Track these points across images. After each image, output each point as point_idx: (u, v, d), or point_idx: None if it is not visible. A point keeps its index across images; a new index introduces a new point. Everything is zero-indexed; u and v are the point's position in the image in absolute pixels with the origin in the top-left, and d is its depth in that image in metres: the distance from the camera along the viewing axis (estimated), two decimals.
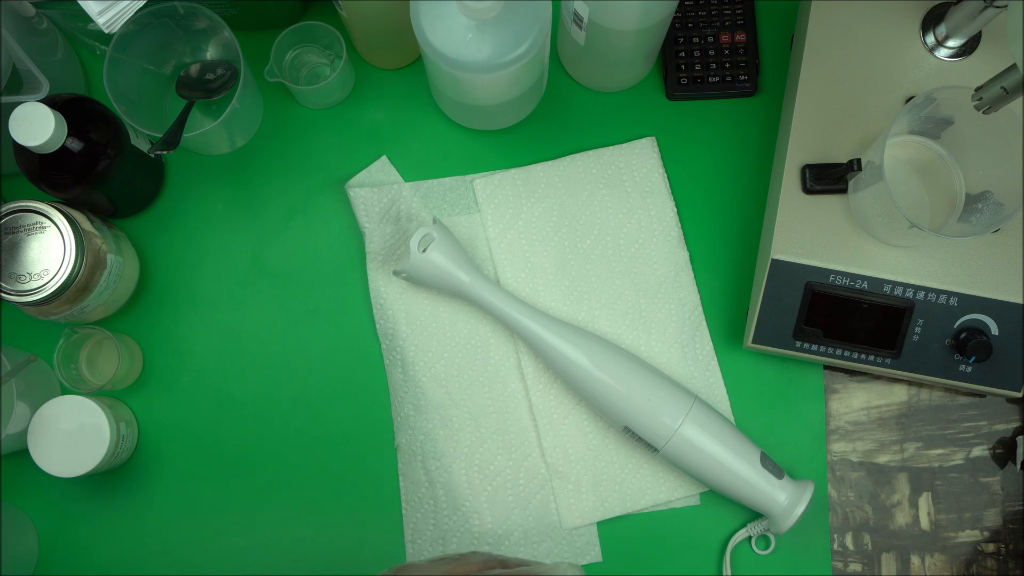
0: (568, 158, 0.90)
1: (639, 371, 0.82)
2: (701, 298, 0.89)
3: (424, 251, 0.83)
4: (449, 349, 0.88)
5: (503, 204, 0.89)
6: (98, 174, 0.79)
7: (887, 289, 0.81)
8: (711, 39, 0.90)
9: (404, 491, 0.87)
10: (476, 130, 0.91)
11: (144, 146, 0.84)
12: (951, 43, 0.82)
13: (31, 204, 0.78)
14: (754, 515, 0.86)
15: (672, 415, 0.80)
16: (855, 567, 0.86)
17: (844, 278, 0.81)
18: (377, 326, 0.88)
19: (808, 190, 0.82)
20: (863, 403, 0.88)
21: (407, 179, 0.90)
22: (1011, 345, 0.81)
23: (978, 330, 0.80)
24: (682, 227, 0.89)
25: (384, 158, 0.91)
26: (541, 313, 0.84)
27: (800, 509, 0.79)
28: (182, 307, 0.89)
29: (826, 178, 0.81)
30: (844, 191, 0.82)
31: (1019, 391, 0.82)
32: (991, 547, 0.87)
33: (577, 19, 0.79)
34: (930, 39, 0.83)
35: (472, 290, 0.84)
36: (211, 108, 0.90)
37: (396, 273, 0.85)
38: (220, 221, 0.90)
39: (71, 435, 0.80)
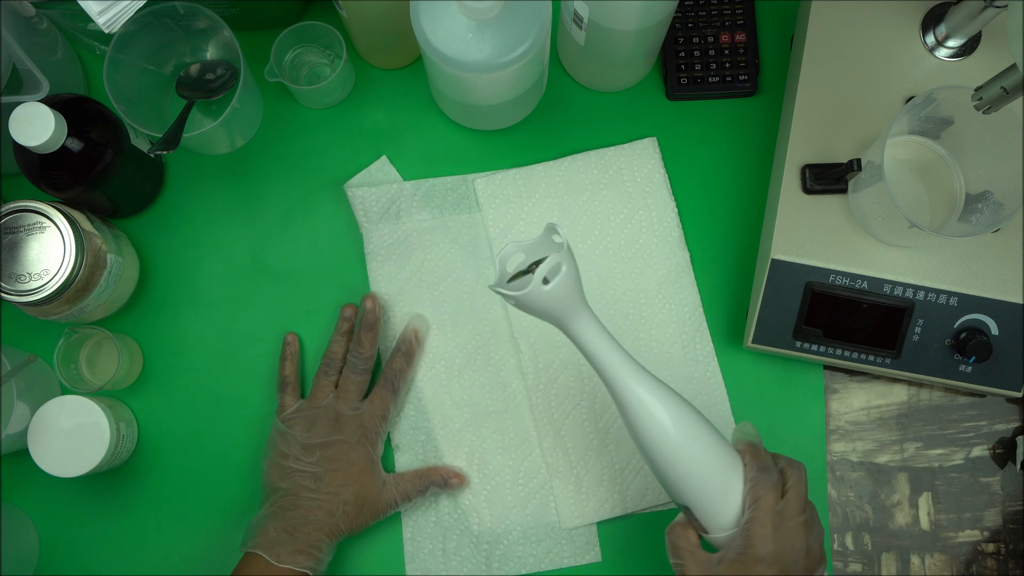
0: (569, 158, 0.90)
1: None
2: (701, 298, 0.89)
3: (548, 284, 0.65)
4: (449, 349, 0.88)
5: (504, 204, 0.89)
6: (98, 174, 0.79)
7: (887, 289, 0.81)
8: (711, 39, 0.90)
9: None
10: (476, 130, 0.91)
11: (144, 146, 0.84)
12: (951, 43, 0.82)
13: (31, 204, 0.78)
14: None
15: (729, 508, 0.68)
16: (855, 567, 0.86)
17: (844, 278, 0.81)
18: None
19: (808, 190, 0.82)
20: (863, 403, 0.88)
21: (407, 179, 0.90)
22: (1011, 345, 0.81)
23: (978, 330, 0.80)
24: (682, 227, 0.89)
25: (384, 158, 0.91)
26: (639, 367, 0.69)
27: None
28: (182, 307, 0.89)
29: (826, 178, 0.81)
30: (844, 191, 0.82)
31: (1019, 391, 0.82)
32: (991, 547, 0.87)
33: (577, 19, 0.79)
34: (930, 39, 0.82)
35: (577, 329, 0.69)
36: (211, 108, 0.89)
37: (506, 298, 0.68)
38: (220, 221, 0.90)
39: (71, 435, 0.80)
